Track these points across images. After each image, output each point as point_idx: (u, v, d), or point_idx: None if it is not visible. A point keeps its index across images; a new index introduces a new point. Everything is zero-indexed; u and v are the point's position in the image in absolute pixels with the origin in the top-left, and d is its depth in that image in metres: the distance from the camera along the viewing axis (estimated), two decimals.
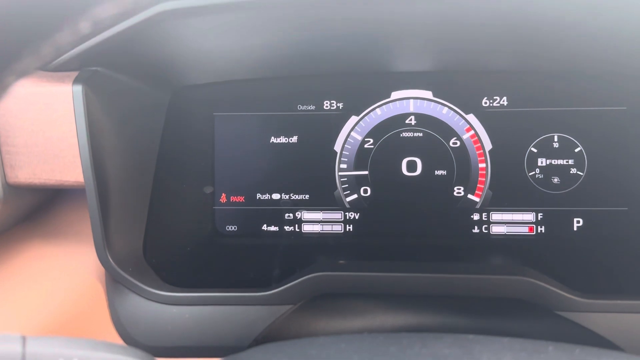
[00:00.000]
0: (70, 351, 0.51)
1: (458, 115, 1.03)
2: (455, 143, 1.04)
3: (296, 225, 1.06)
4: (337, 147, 1.05)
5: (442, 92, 1.04)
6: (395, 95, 1.05)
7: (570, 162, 1.01)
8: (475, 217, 1.03)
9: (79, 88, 0.81)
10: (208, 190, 1.06)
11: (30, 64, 0.31)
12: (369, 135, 1.05)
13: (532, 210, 1.02)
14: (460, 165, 1.03)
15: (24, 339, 0.51)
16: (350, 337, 0.59)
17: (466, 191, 1.03)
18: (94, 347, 0.52)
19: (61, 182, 0.86)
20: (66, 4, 0.30)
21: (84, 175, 0.83)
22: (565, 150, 1.01)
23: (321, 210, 1.06)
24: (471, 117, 1.03)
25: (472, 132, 1.03)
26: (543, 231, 1.02)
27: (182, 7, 0.69)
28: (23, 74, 0.32)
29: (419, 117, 1.04)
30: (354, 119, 1.05)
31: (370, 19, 0.80)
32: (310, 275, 0.85)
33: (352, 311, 0.84)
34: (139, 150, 0.95)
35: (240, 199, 1.07)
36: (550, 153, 1.02)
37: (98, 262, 0.85)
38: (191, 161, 1.05)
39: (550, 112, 1.02)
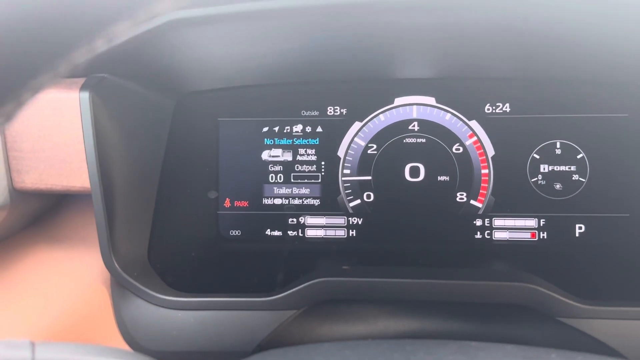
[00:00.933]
0: (79, 357, 0.52)
1: (461, 122, 1.04)
2: (458, 149, 1.04)
3: (300, 230, 1.07)
4: (341, 153, 1.06)
5: (445, 98, 1.04)
6: (398, 101, 1.05)
7: (573, 168, 1.02)
8: (478, 222, 1.04)
9: (86, 94, 0.82)
10: (212, 195, 1.06)
11: (47, 80, 0.32)
12: (372, 140, 1.06)
13: (534, 216, 1.03)
14: (463, 171, 1.04)
15: (33, 344, 0.51)
16: (355, 344, 0.59)
17: (469, 197, 1.04)
18: (102, 354, 0.53)
19: (67, 188, 0.87)
20: (83, 23, 0.30)
21: (90, 180, 0.83)
22: (568, 156, 1.02)
23: (324, 215, 1.07)
24: (474, 124, 1.04)
25: (475, 138, 1.04)
26: (545, 237, 1.02)
27: (189, 16, 0.69)
28: (39, 90, 0.33)
29: (422, 123, 1.05)
30: (357, 125, 1.06)
31: (374, 27, 0.80)
32: (313, 281, 0.85)
33: (356, 317, 0.85)
34: (144, 155, 0.95)
35: (244, 203, 1.07)
36: (552, 159, 1.02)
37: (103, 266, 0.86)
38: (196, 166, 1.05)
39: (552, 118, 1.02)
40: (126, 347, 0.87)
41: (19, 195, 0.88)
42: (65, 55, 0.30)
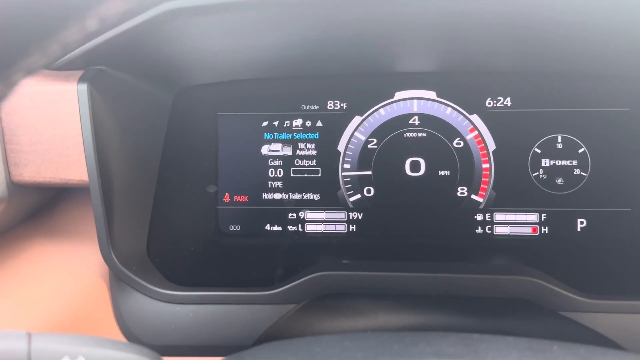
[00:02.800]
0: (76, 348, 0.51)
1: (462, 116, 1.03)
2: (459, 143, 1.03)
3: (299, 225, 1.06)
4: (341, 147, 1.05)
5: (446, 92, 1.04)
6: (399, 95, 1.05)
7: (574, 162, 1.01)
8: (479, 217, 1.03)
9: (84, 87, 0.81)
10: (212, 189, 1.06)
11: (38, 61, 0.31)
12: (372, 135, 1.05)
13: (535, 211, 1.02)
14: (464, 165, 1.03)
15: (29, 335, 0.51)
16: (355, 336, 0.58)
17: (470, 192, 1.03)
18: (99, 345, 0.52)
19: (66, 181, 0.86)
20: (73, 2, 0.30)
21: (88, 173, 0.83)
22: (569, 151, 1.01)
23: (324, 210, 1.06)
24: (475, 118, 1.03)
25: (476, 132, 1.03)
26: (546, 232, 1.02)
27: (186, 6, 0.69)
28: (30, 71, 0.32)
29: (423, 117, 1.04)
30: (357, 119, 1.05)
31: (374, 19, 0.80)
32: (313, 275, 0.85)
33: (356, 311, 0.84)
34: (143, 149, 0.95)
35: (244, 198, 1.07)
36: (553, 154, 1.02)
37: (102, 260, 0.85)
38: (195, 161, 1.05)
39: (554, 112, 1.01)
40: (124, 341, 0.87)
41: (16, 188, 0.87)
42: (56, 35, 0.30)
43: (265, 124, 1.06)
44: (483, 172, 1.03)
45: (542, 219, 1.02)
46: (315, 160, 1.06)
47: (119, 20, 0.68)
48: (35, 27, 0.30)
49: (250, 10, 0.73)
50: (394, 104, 1.05)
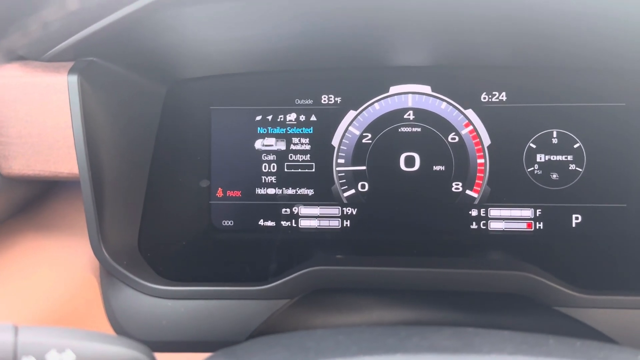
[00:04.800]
0: (64, 341, 0.50)
1: (457, 111, 1.03)
2: (454, 138, 1.03)
3: (293, 221, 1.05)
4: (335, 142, 1.05)
5: (441, 87, 1.03)
6: (393, 89, 1.04)
7: (569, 158, 1.01)
8: (474, 213, 1.03)
9: (74, 78, 0.80)
10: (204, 184, 1.05)
11: (17, 41, 0.30)
12: (367, 130, 1.04)
13: (530, 206, 1.01)
14: (459, 160, 1.03)
15: (16, 328, 0.50)
16: (348, 330, 0.58)
17: (464, 187, 1.03)
18: (87, 338, 0.51)
19: (55, 174, 0.85)
20: None
21: (78, 166, 0.82)
22: (564, 146, 1.01)
23: (318, 205, 1.05)
24: (470, 113, 1.02)
25: (471, 127, 1.02)
26: (541, 227, 1.01)
27: None
28: (10, 52, 0.31)
29: (418, 112, 1.04)
30: (352, 114, 1.04)
31: (369, 12, 0.79)
32: (307, 270, 0.84)
33: (349, 306, 0.83)
34: (134, 142, 0.94)
35: (237, 193, 1.06)
36: (549, 149, 1.01)
37: (92, 255, 0.84)
38: (188, 155, 1.04)
39: (549, 107, 1.01)
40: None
41: (6, 181, 0.86)
42: (35, 13, 0.29)
43: (258, 118, 1.06)
44: (478, 167, 1.02)
45: (537, 215, 1.01)
46: (309, 155, 1.05)
47: (104, 3, 0.65)
48: (13, 5, 0.29)
49: (243, 1, 0.72)
50: (388, 98, 1.04)
